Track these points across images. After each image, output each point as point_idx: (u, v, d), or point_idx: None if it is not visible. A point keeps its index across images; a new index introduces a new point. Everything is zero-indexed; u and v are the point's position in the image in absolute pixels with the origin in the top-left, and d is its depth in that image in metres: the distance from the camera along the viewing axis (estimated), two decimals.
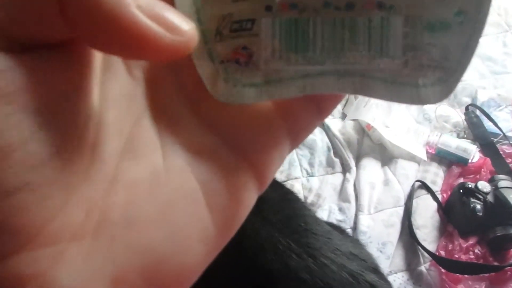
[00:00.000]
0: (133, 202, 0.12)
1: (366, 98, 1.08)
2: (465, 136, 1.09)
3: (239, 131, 0.14)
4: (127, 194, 0.12)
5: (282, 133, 0.15)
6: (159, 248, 0.12)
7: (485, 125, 1.07)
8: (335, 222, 0.95)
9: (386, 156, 1.06)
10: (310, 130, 0.17)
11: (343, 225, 0.95)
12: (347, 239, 0.75)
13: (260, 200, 0.15)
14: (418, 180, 1.01)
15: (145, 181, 0.12)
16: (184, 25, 0.11)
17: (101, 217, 0.11)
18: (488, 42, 1.25)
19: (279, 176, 1.02)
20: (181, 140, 0.13)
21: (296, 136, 0.16)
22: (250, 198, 0.14)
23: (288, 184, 1.01)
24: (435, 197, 0.99)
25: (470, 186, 0.93)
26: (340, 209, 0.98)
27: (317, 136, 1.08)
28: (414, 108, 1.15)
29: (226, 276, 0.55)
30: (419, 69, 0.15)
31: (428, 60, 0.15)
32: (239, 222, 0.14)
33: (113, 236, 0.11)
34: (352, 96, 1.14)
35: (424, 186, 1.01)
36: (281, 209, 0.64)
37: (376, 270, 0.66)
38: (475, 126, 1.08)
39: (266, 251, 0.57)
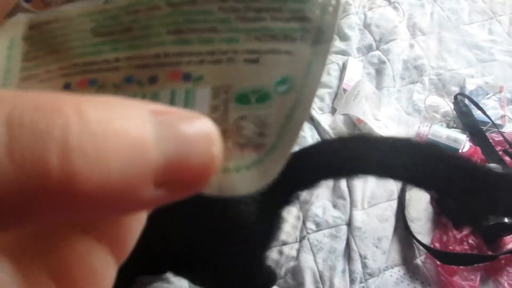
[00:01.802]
0: None
1: (355, 92, 1.07)
2: (454, 125, 1.09)
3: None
4: None
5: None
6: None
7: (474, 114, 1.07)
8: (330, 219, 0.95)
9: None
10: None
11: (338, 221, 0.94)
12: None
13: None
14: None
15: None
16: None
17: None
18: (474, 30, 1.25)
19: None
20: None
21: None
22: (109, 275, 0.13)
23: None
24: None
25: None
26: (335, 206, 0.97)
27: (307, 133, 1.07)
28: (403, 100, 1.14)
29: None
30: (229, 148, 0.12)
31: (241, 138, 0.13)
32: None
33: None
34: (341, 90, 1.13)
35: None
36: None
37: None
38: (464, 115, 1.08)
39: None
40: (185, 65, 0.13)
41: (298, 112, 0.12)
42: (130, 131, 0.09)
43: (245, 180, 0.12)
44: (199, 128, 0.10)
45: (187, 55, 0.13)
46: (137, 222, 0.14)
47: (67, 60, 0.15)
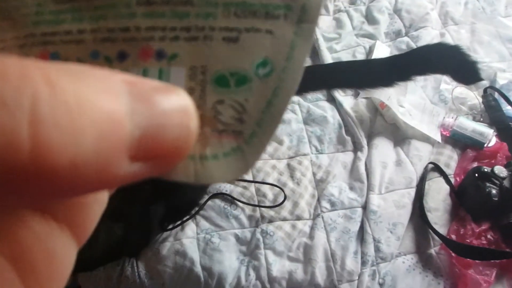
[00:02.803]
0: None
1: None
2: (481, 119, 1.05)
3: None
4: None
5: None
6: None
7: (503, 108, 1.03)
8: (346, 200, 0.93)
9: (399, 136, 1.03)
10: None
11: (354, 203, 0.92)
12: None
13: None
14: (431, 162, 0.98)
15: None
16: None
17: None
18: (510, 23, 1.21)
19: (288, 152, 0.99)
20: None
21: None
22: (70, 258, 0.12)
23: (295, 160, 0.98)
24: (448, 181, 0.97)
25: (486, 170, 0.90)
26: (352, 188, 0.95)
27: (328, 113, 1.05)
28: (429, 89, 1.11)
29: None
30: (206, 134, 0.12)
31: (219, 124, 0.12)
32: (61, 286, 0.12)
33: None
34: None
35: (437, 168, 0.98)
36: None
37: None
38: (493, 110, 1.04)
39: None
40: (158, 41, 0.12)
41: (280, 98, 0.12)
42: (103, 103, 0.08)
43: (222, 168, 0.12)
44: (175, 101, 0.10)
45: (160, 30, 0.12)
46: (99, 204, 0.13)
47: (23, 29, 0.13)
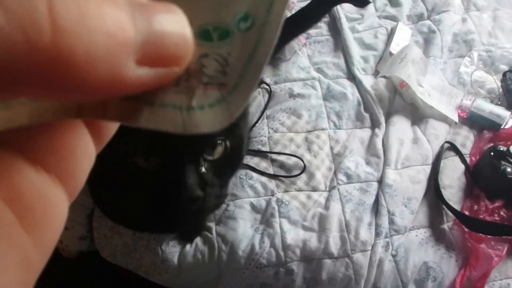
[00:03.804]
0: None
1: (402, 55, 1.05)
2: (499, 103, 1.06)
3: (34, 145, 0.13)
4: None
5: (80, 136, 0.14)
6: None
7: None
8: (362, 174, 0.94)
9: (417, 115, 1.04)
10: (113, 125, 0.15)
11: (370, 177, 0.94)
12: None
13: None
14: (447, 142, 1.00)
15: None
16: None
17: None
18: None
19: (306, 126, 1.01)
20: None
21: (99, 134, 0.15)
22: (63, 208, 0.13)
23: (313, 134, 1.00)
24: (463, 160, 0.98)
25: (502, 149, 0.92)
26: (368, 163, 0.97)
27: (348, 90, 1.06)
28: (449, 72, 1.12)
29: None
30: (192, 86, 0.12)
31: (204, 77, 0.12)
32: (56, 237, 0.13)
33: None
34: (387, 54, 1.12)
35: (453, 147, 1.00)
36: None
37: None
38: (511, 93, 1.05)
39: None
40: None
41: (260, 51, 0.12)
42: (107, 8, 0.09)
43: (208, 118, 0.12)
44: (169, 12, 0.11)
45: None
46: (87, 159, 0.14)
47: None
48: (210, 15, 0.12)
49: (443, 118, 1.02)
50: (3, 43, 0.08)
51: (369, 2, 1.07)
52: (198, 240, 0.89)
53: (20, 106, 0.12)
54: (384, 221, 0.89)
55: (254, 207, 0.92)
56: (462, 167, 0.98)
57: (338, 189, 0.93)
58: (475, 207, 0.90)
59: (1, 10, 0.08)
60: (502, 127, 1.00)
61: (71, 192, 0.13)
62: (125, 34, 0.09)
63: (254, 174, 0.95)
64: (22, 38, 0.08)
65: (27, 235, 0.11)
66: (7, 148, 0.12)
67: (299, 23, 1.11)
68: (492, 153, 0.92)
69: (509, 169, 0.88)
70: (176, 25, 0.11)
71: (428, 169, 0.96)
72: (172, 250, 0.88)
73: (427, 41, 1.16)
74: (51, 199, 0.12)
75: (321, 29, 1.20)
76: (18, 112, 0.12)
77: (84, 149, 0.14)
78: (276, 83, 1.09)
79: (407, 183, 0.93)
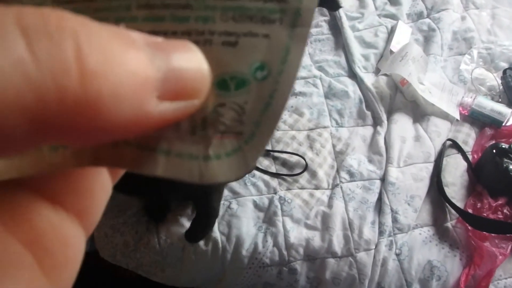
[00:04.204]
0: None
1: (403, 53, 1.05)
2: (500, 100, 1.06)
3: (53, 184, 0.13)
4: None
5: (98, 172, 0.14)
6: None
7: None
8: (365, 172, 0.94)
9: (418, 113, 1.04)
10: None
11: (373, 175, 0.94)
12: None
13: None
14: (449, 139, 0.99)
15: None
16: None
17: None
18: None
19: (308, 124, 1.01)
20: None
21: (115, 171, 0.15)
22: (80, 245, 0.13)
23: (315, 132, 1.00)
24: (465, 157, 0.98)
25: (504, 146, 0.91)
26: (370, 161, 0.96)
27: (349, 88, 1.06)
28: (449, 70, 1.12)
29: None
30: (208, 135, 0.12)
31: (221, 126, 0.12)
32: (74, 276, 0.13)
33: None
34: (387, 52, 1.11)
35: (455, 145, 0.99)
36: None
37: None
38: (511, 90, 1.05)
39: None
40: None
41: (276, 100, 0.12)
42: (128, 50, 0.10)
43: (225, 168, 0.12)
44: (186, 49, 0.11)
45: (162, 34, 0.12)
46: (104, 194, 0.14)
47: None
48: (228, 65, 0.12)
49: (445, 116, 1.02)
50: (35, 92, 0.08)
51: (341, 7, 1.06)
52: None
53: (36, 154, 0.12)
54: (388, 219, 0.88)
55: (256, 205, 0.91)
56: (464, 164, 0.97)
57: (341, 187, 0.92)
58: (478, 204, 0.90)
59: (32, 59, 0.08)
60: (503, 124, 1.00)
61: (89, 227, 0.14)
62: (146, 73, 0.10)
63: (257, 172, 0.94)
64: (52, 85, 0.08)
65: (45, 278, 0.11)
66: (25, 189, 0.12)
67: None
68: (494, 151, 0.92)
69: (511, 167, 0.88)
70: (192, 61, 0.11)
71: (430, 166, 0.95)
72: (174, 247, 0.87)
73: (427, 39, 1.16)
74: (70, 239, 0.12)
75: (322, 28, 1.20)
76: (32, 161, 0.12)
77: (101, 185, 0.14)
78: None
79: (410, 181, 0.92)
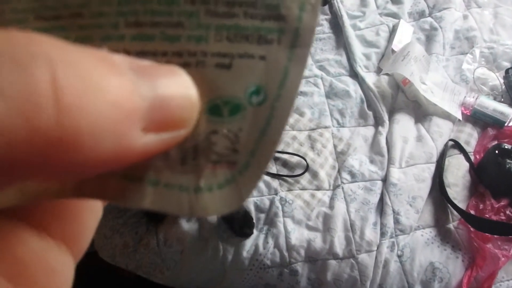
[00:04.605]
0: None
1: (405, 53, 1.04)
2: (502, 100, 1.05)
3: (38, 211, 0.12)
4: None
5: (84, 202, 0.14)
6: None
7: None
8: (366, 172, 0.93)
9: (420, 112, 1.03)
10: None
11: (374, 176, 0.93)
12: None
13: None
14: (451, 139, 0.99)
15: None
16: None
17: None
18: None
19: (309, 124, 1.00)
20: None
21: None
22: (68, 272, 0.12)
23: (317, 132, 0.99)
24: (467, 158, 0.97)
25: (506, 147, 0.91)
26: (372, 162, 0.95)
27: (350, 88, 1.05)
28: (451, 69, 1.11)
29: None
30: (200, 165, 0.11)
31: (213, 155, 0.11)
32: None
33: None
34: (389, 51, 1.10)
35: (457, 145, 0.98)
36: None
37: None
38: None
39: None
40: None
41: (273, 127, 0.11)
42: (110, 77, 0.09)
43: (216, 200, 0.11)
44: (173, 74, 0.10)
45: (151, 55, 0.11)
46: (93, 218, 0.13)
47: None
48: (221, 89, 0.11)
49: (447, 116, 1.01)
50: (1, 134, 0.07)
51: (329, 1, 1.03)
52: (203, 239, 0.87)
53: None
54: (389, 220, 0.87)
55: (257, 207, 0.90)
56: (466, 165, 0.97)
57: (343, 188, 0.91)
58: (481, 206, 0.89)
59: None
60: (506, 124, 0.99)
61: (77, 253, 0.13)
62: (130, 103, 0.09)
63: None
64: (21, 123, 0.07)
65: None
66: (9, 216, 0.11)
67: None
68: (496, 151, 0.91)
69: None
70: (180, 87, 0.10)
71: (432, 167, 0.95)
72: (173, 248, 0.86)
73: (428, 38, 1.15)
74: (56, 268, 0.12)
75: (322, 27, 1.19)
76: (12, 192, 0.11)
77: (90, 209, 0.13)
78: None
79: (412, 181, 0.92)
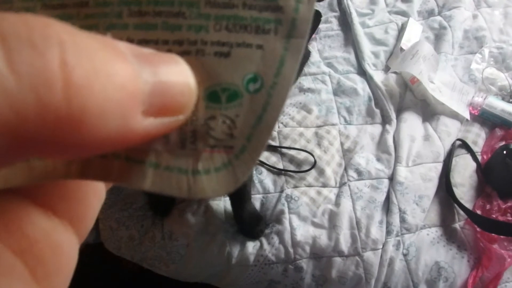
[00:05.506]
0: None
1: (414, 51, 1.04)
2: (510, 100, 1.05)
3: (45, 191, 0.13)
4: None
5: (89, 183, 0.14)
6: None
7: None
8: (373, 170, 0.93)
9: (428, 112, 1.02)
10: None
11: (381, 174, 0.93)
12: None
13: None
14: (459, 139, 0.98)
15: None
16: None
17: None
18: None
19: (316, 121, 1.00)
20: None
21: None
22: (73, 252, 0.13)
23: (324, 129, 0.99)
24: (475, 158, 0.97)
25: None
26: (379, 160, 0.95)
27: (358, 85, 1.05)
28: (459, 68, 1.10)
29: None
30: (198, 149, 0.12)
31: (211, 139, 0.12)
32: (67, 283, 0.13)
33: None
34: (397, 50, 1.10)
35: (464, 145, 0.98)
36: None
37: None
38: None
39: None
40: None
41: (268, 114, 0.11)
42: (114, 61, 0.09)
43: (214, 183, 0.12)
44: (173, 61, 0.11)
45: (153, 43, 0.11)
46: (97, 200, 0.14)
47: None
48: (219, 76, 0.11)
49: (454, 115, 1.01)
50: (14, 108, 0.08)
51: None
52: (208, 235, 0.87)
53: (23, 164, 0.11)
54: (395, 219, 0.87)
55: (263, 205, 0.90)
56: (473, 165, 0.96)
57: (349, 186, 0.91)
58: (487, 206, 0.89)
59: (10, 71, 0.07)
60: None
61: (82, 234, 0.13)
62: (133, 87, 0.09)
63: (264, 170, 0.93)
64: (33, 99, 0.08)
65: (38, 287, 0.11)
66: (17, 196, 0.12)
67: None
68: (504, 152, 0.91)
69: None
70: (180, 75, 0.11)
71: (439, 166, 0.94)
72: (179, 242, 0.86)
73: (438, 37, 1.15)
74: (63, 247, 0.12)
75: (331, 24, 1.18)
76: (19, 171, 0.11)
77: (94, 191, 0.14)
78: None
79: (419, 180, 0.91)
